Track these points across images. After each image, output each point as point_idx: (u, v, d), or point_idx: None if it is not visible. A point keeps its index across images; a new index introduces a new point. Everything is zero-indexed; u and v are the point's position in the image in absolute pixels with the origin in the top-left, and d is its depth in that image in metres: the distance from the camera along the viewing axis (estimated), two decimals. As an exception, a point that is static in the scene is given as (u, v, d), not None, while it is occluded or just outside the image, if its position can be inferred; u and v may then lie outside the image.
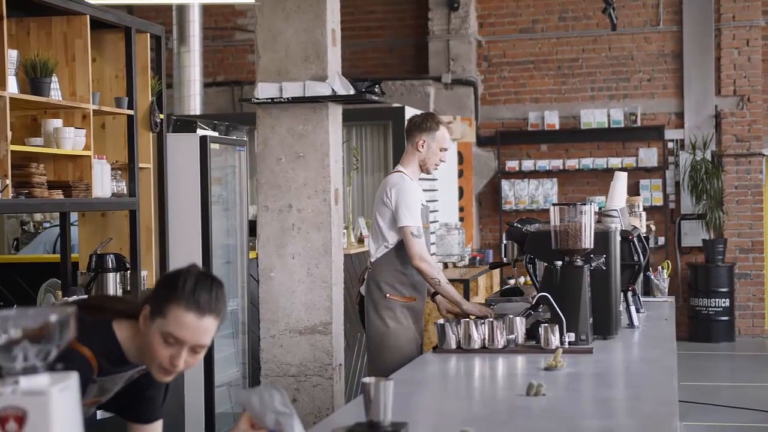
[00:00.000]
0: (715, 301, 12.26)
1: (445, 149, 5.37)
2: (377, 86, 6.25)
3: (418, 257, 5.09)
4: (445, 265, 10.28)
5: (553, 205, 4.44)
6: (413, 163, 5.35)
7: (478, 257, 11.20)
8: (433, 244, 9.92)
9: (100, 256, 5.45)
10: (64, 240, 5.66)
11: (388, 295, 5.22)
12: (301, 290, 5.78)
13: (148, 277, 5.87)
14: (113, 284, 5.43)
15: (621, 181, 5.53)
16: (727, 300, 12.28)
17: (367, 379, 2.73)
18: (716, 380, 10.28)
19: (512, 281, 12.08)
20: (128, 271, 5.59)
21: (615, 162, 12.62)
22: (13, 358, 1.75)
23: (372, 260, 5.36)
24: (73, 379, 1.78)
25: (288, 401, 2.54)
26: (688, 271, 12.59)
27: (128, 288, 5.61)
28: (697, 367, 10.81)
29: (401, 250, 5.19)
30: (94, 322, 2.66)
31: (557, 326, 4.20)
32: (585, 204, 4.41)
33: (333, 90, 5.89)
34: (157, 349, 2.58)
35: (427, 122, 5.35)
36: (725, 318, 12.30)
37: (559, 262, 4.38)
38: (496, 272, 11.38)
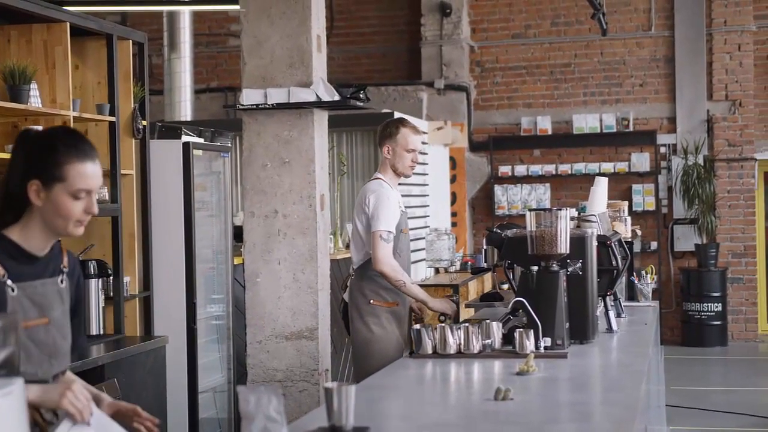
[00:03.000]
0: (708, 306, 12.27)
1: (412, 150, 5.42)
2: (362, 92, 6.26)
3: (380, 261, 5.17)
4: (436, 270, 10.29)
5: (530, 210, 4.46)
6: (388, 169, 5.45)
7: (470, 262, 11.20)
8: (422, 249, 9.94)
9: (82, 262, 5.46)
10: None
11: (372, 301, 5.28)
12: (287, 296, 5.79)
13: (131, 283, 5.88)
14: (95, 291, 5.44)
15: (601, 186, 5.55)
16: (720, 304, 12.29)
17: (328, 384, 2.76)
18: (708, 385, 10.29)
19: (506, 286, 12.08)
20: (110, 278, 5.60)
21: (607, 167, 12.63)
22: (-45, 364, 1.76)
23: (354, 267, 5.41)
24: (17, 385, 1.80)
25: (282, 409, 2.55)
26: (680, 275, 12.60)
27: (111, 294, 5.63)
28: (689, 371, 10.82)
29: None
30: None
31: (532, 331, 4.21)
32: (561, 209, 4.42)
33: (317, 96, 5.91)
34: (70, 208, 2.69)
35: (387, 128, 5.47)
36: (718, 322, 12.31)
37: (535, 267, 4.39)
38: (488, 277, 11.38)
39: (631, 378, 3.70)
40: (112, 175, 5.62)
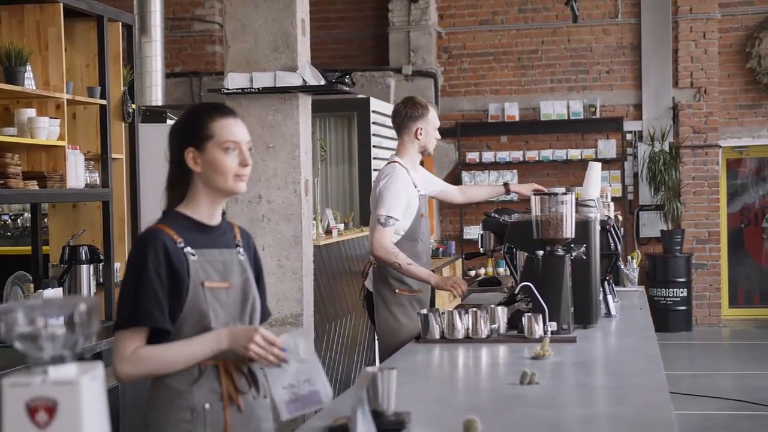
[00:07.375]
0: (673, 291, 12.41)
1: (438, 126, 5.45)
2: (347, 77, 6.23)
3: (374, 246, 5.04)
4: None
5: (535, 194, 4.45)
6: (411, 152, 5.36)
7: (441, 249, 11.23)
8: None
9: (72, 248, 5.37)
10: (35, 232, 5.58)
11: (397, 290, 5.16)
12: (272, 282, 5.75)
13: (122, 268, 5.80)
14: (86, 276, 5.36)
15: (596, 170, 5.56)
16: (685, 290, 12.43)
17: (371, 369, 2.73)
18: (674, 369, 10.39)
19: (482, 271, 12.13)
20: (101, 263, 5.52)
21: (574, 153, 12.71)
22: (41, 347, 1.72)
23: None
24: (99, 368, 1.76)
25: (312, 349, 2.53)
26: (646, 261, 12.71)
27: (101, 280, 5.54)
28: (656, 356, 10.92)
29: (405, 243, 5.13)
30: (162, 217, 2.96)
31: (540, 316, 4.22)
32: (566, 194, 4.42)
33: (304, 80, 5.86)
34: (224, 162, 2.86)
35: (417, 110, 5.35)
36: (683, 308, 12.46)
37: (541, 252, 4.39)
38: (459, 263, 11.42)
39: (650, 362, 3.72)
40: (102, 159, 5.53)
